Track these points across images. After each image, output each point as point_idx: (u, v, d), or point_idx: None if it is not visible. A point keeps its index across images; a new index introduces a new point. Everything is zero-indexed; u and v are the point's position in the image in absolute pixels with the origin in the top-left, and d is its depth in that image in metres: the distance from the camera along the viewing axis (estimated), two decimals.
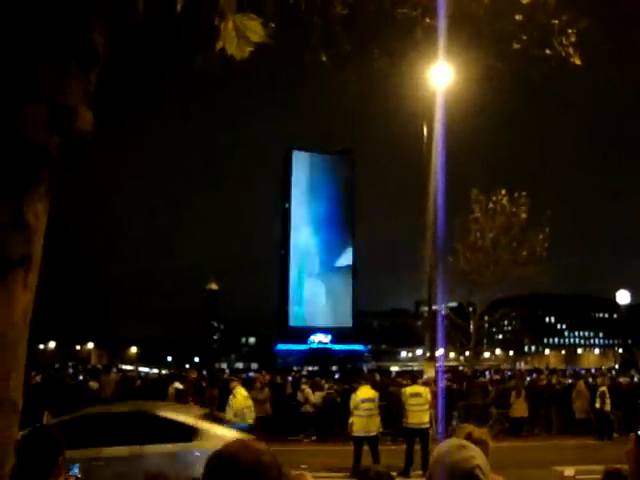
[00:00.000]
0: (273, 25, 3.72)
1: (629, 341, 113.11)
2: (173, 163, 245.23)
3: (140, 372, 36.39)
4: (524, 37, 4.53)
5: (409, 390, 13.88)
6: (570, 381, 24.67)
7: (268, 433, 17.80)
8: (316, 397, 18.88)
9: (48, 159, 1.43)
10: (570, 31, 4.51)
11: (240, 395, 12.84)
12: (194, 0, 2.26)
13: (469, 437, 3.49)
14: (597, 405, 19.23)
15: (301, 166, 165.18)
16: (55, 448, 2.68)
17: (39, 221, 1.48)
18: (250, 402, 13.09)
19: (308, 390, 18.94)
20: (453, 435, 3.62)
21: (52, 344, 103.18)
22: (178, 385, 19.33)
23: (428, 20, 4.49)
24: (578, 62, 4.61)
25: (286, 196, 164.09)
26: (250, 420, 12.64)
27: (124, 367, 50.57)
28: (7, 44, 1.40)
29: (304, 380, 21.52)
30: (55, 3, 1.44)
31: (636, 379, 25.33)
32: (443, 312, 26.28)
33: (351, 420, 13.13)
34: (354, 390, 14.28)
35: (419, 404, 13.59)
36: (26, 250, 1.45)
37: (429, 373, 20.35)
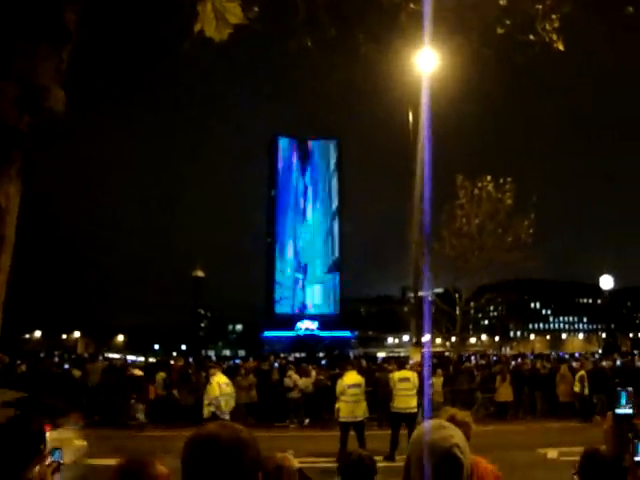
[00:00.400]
0: (257, 9, 3.70)
1: (612, 326, 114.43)
2: (162, 153, 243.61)
3: (127, 360, 36.33)
4: (508, 22, 4.53)
5: (397, 375, 13.96)
6: (547, 364, 24.94)
7: (254, 419, 17.91)
8: (303, 383, 18.95)
9: (19, 139, 1.41)
10: (553, 16, 4.52)
11: (215, 383, 12.69)
12: None
13: (452, 419, 3.53)
14: (577, 389, 19.49)
15: (287, 153, 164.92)
16: (37, 434, 2.68)
17: (11, 202, 1.46)
18: (228, 390, 12.84)
19: (295, 376, 19.00)
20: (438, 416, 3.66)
21: (38, 333, 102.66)
22: (162, 374, 19.35)
23: (412, 6, 4.48)
24: (561, 47, 4.62)
25: (272, 183, 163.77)
26: (226, 409, 12.52)
27: (111, 355, 50.41)
28: None
29: (290, 366, 21.57)
30: None
31: (618, 363, 25.64)
32: (430, 298, 26.40)
33: (337, 405, 13.21)
34: (340, 376, 14.36)
35: (407, 389, 13.68)
36: None
37: (416, 359, 20.49)
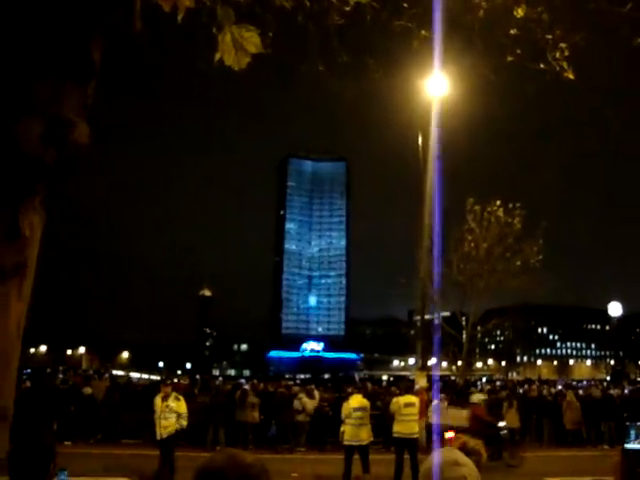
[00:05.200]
0: (271, 34, 3.75)
1: (620, 353, 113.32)
2: (171, 170, 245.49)
3: (131, 378, 36.23)
4: (518, 51, 4.57)
5: (403, 400, 13.85)
6: (554, 390, 24.71)
7: (258, 441, 17.80)
8: (307, 405, 18.83)
9: (44, 171, 1.44)
10: (564, 46, 4.55)
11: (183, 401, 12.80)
12: (193, 12, 2.28)
13: (463, 447, 3.49)
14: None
15: (297, 173, 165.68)
16: (47, 454, 2.68)
17: (34, 232, 1.49)
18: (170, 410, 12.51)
19: (306, 399, 18.83)
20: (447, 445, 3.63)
21: (43, 348, 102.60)
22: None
23: (424, 32, 4.53)
24: (571, 77, 4.65)
25: (281, 203, 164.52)
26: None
27: (115, 372, 50.35)
28: (5, 59, 1.41)
29: (298, 389, 21.44)
30: (53, 19, 1.45)
31: (627, 391, 25.38)
32: (438, 322, 26.27)
33: (342, 429, 13.11)
34: (346, 399, 14.26)
35: (412, 414, 13.58)
36: (20, 260, 1.46)
37: (421, 383, 20.32)
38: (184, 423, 12.36)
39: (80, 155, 1.51)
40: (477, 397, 19.55)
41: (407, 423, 13.44)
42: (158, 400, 12.55)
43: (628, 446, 2.61)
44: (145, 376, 46.48)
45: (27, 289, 1.53)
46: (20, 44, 1.45)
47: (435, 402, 18.99)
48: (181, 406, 12.50)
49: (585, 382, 42.99)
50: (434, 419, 16.73)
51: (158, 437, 12.22)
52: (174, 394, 12.72)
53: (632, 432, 2.65)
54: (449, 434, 16.33)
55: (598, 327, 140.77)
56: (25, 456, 2.56)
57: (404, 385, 19.22)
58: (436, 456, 2.02)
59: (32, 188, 1.45)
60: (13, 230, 1.41)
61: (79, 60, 1.50)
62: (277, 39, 3.88)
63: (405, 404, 13.65)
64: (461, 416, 17.25)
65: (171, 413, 12.29)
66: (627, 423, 2.66)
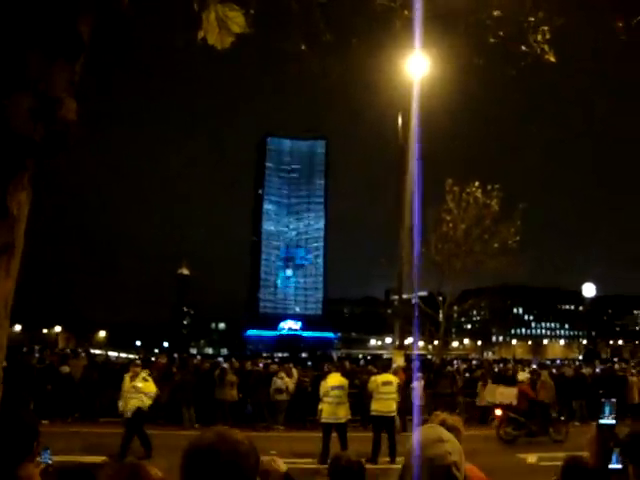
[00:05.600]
0: (252, 12, 3.72)
1: (593, 333, 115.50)
2: (146, 149, 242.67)
3: (109, 356, 36.12)
4: (501, 33, 4.59)
5: (380, 378, 14.02)
6: (528, 369, 25.14)
7: (235, 419, 17.89)
8: (289, 384, 18.95)
9: (33, 148, 1.43)
10: (545, 29, 4.58)
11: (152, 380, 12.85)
12: None
13: (443, 424, 3.56)
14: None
15: (275, 153, 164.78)
16: (30, 433, 2.67)
17: (21, 210, 1.49)
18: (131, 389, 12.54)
19: (287, 379, 18.94)
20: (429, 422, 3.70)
21: (18, 327, 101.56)
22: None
23: (407, 12, 4.52)
24: (552, 59, 4.68)
25: (259, 182, 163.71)
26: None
27: (93, 351, 50.07)
28: None
29: (276, 367, 21.53)
30: None
31: (598, 370, 25.92)
32: (415, 301, 26.53)
33: (320, 407, 13.26)
34: (324, 377, 14.40)
35: (389, 392, 13.75)
36: (9, 239, 1.45)
37: (398, 362, 20.56)
38: (147, 402, 12.32)
39: (68, 132, 1.49)
40: (523, 376, 19.95)
41: (385, 401, 13.62)
42: (127, 379, 12.59)
43: (602, 421, 2.71)
44: (123, 355, 46.28)
45: (14, 267, 1.52)
46: (8, 19, 1.43)
47: (415, 383, 19.28)
48: (149, 386, 12.51)
49: (558, 361, 43.83)
50: (415, 399, 17.05)
51: (123, 415, 12.29)
52: (143, 374, 12.70)
53: (607, 408, 2.74)
54: (497, 412, 16.76)
55: (572, 308, 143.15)
56: (7, 436, 2.55)
57: (381, 364, 19.46)
58: (419, 433, 2.05)
59: (21, 165, 1.44)
60: (2, 208, 1.41)
61: (68, 36, 1.48)
62: (259, 17, 3.84)
63: (383, 382, 13.82)
64: (510, 394, 17.67)
65: (137, 393, 12.29)
66: (602, 400, 2.74)
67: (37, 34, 1.44)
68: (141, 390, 12.32)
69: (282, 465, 2.72)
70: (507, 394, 17.91)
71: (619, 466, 2.41)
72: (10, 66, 1.40)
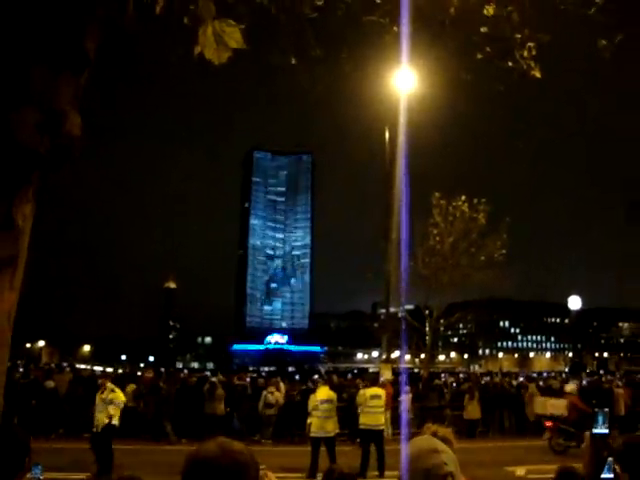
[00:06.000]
0: (243, 27, 3.76)
1: (579, 345, 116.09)
2: (131, 166, 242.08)
3: (95, 371, 35.73)
4: (488, 49, 4.66)
5: (369, 392, 13.99)
6: (516, 382, 25.23)
7: (224, 433, 17.77)
8: (279, 399, 18.87)
9: (38, 161, 1.44)
10: (532, 45, 4.66)
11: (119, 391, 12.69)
12: (173, 5, 2.27)
13: (434, 435, 3.57)
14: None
15: (262, 168, 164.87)
16: (22, 448, 2.65)
17: (26, 222, 1.50)
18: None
19: (277, 394, 18.85)
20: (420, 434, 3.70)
21: None
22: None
23: (396, 28, 4.58)
24: (538, 75, 4.76)
25: (246, 196, 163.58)
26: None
27: (78, 366, 49.52)
28: (1, 49, 1.41)
29: (262, 381, 21.43)
30: (48, 10, 1.45)
31: (585, 382, 26.03)
32: (402, 315, 26.55)
33: (309, 421, 13.19)
34: (312, 391, 14.34)
35: (378, 406, 13.73)
36: (13, 251, 1.46)
37: (386, 375, 20.55)
38: (113, 412, 12.06)
39: (72, 145, 1.51)
40: (570, 387, 19.99)
41: (373, 415, 13.59)
42: (98, 394, 12.43)
43: (596, 431, 2.74)
44: (109, 369, 45.82)
45: (18, 279, 1.53)
46: (16, 35, 1.45)
47: (403, 396, 19.27)
48: (117, 396, 12.30)
49: (545, 374, 43.99)
50: (403, 411, 17.05)
51: (93, 430, 12.12)
52: (110, 387, 12.51)
53: (600, 418, 2.78)
54: (548, 423, 16.81)
55: (557, 320, 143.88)
56: (0, 452, 2.53)
57: (370, 377, 19.43)
58: (415, 444, 2.04)
59: (27, 178, 1.45)
60: (7, 221, 1.42)
61: (73, 51, 1.50)
62: (249, 31, 3.88)
63: (371, 396, 13.79)
64: (560, 405, 17.69)
65: (105, 405, 12.10)
66: (595, 410, 2.78)
67: (44, 49, 1.46)
68: (108, 401, 12.11)
69: (274, 479, 2.72)
70: (557, 405, 18.00)
71: (611, 475, 2.44)
72: (17, 80, 1.41)
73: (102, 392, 12.34)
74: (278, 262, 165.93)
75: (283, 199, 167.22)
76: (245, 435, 17.86)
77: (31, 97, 1.43)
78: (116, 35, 1.70)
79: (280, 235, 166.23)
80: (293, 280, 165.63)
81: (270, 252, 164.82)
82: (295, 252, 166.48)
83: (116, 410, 12.15)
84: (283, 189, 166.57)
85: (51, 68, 1.47)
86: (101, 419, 12.02)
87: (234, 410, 18.90)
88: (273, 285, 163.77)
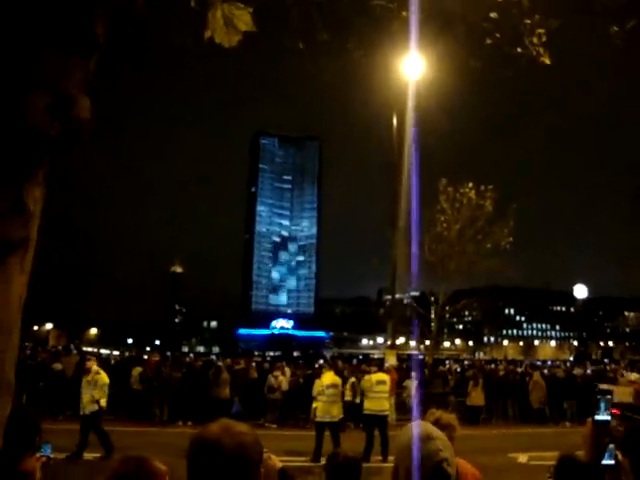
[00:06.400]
0: (251, 10, 3.75)
1: (584, 334, 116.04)
2: (139, 148, 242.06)
3: (101, 354, 36.04)
4: (497, 35, 4.63)
5: (375, 377, 14.05)
6: (520, 370, 25.27)
7: (227, 416, 17.91)
8: (283, 383, 18.99)
9: (49, 145, 1.46)
10: (541, 31, 4.63)
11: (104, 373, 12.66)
12: None
13: (437, 421, 3.61)
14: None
15: (269, 153, 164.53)
16: (32, 428, 2.69)
17: (37, 206, 1.51)
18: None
19: (282, 378, 18.96)
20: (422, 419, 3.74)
21: None
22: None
23: (404, 13, 4.55)
24: (547, 62, 4.72)
25: (253, 180, 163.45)
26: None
27: (85, 349, 49.89)
28: (11, 32, 1.42)
29: (267, 366, 21.56)
30: None
31: (589, 371, 26.07)
32: (408, 301, 26.61)
33: (315, 405, 13.28)
34: (318, 376, 14.43)
35: (383, 391, 13.83)
36: (24, 234, 1.48)
37: (390, 361, 20.64)
38: (98, 396, 12.09)
39: (83, 129, 1.52)
40: (635, 376, 20.10)
41: (378, 400, 13.68)
42: (84, 377, 12.47)
43: (598, 417, 2.76)
44: (115, 352, 46.18)
45: (28, 262, 1.55)
46: (26, 18, 1.45)
47: (409, 382, 19.39)
48: (101, 378, 12.34)
49: (549, 362, 44.04)
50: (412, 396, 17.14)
51: (80, 412, 12.15)
52: (95, 369, 12.52)
53: (602, 405, 2.80)
54: (614, 411, 16.96)
55: (563, 309, 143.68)
56: (11, 430, 2.57)
57: (376, 363, 19.51)
58: (409, 430, 2.05)
59: (38, 162, 1.47)
60: (19, 204, 1.43)
61: (83, 34, 1.51)
62: (258, 14, 3.86)
63: (377, 381, 13.87)
64: (626, 392, 17.79)
65: (90, 388, 12.14)
66: (598, 396, 2.79)
67: (54, 32, 1.47)
68: (93, 383, 12.16)
69: (277, 462, 2.74)
70: (624, 393, 18.11)
71: (612, 462, 2.46)
72: (27, 63, 1.42)
73: (87, 374, 12.33)
74: (284, 248, 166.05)
75: (290, 186, 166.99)
76: (246, 419, 17.97)
77: (41, 80, 1.44)
78: (126, 20, 1.71)
79: (287, 222, 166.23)
80: (299, 266, 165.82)
81: (276, 239, 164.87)
82: (302, 239, 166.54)
83: (101, 392, 12.17)
84: (289, 177, 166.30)
85: (61, 51, 1.48)
86: (87, 402, 12.03)
87: (238, 394, 19.02)
88: (279, 271, 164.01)
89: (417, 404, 16.50)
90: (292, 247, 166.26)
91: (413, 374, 21.10)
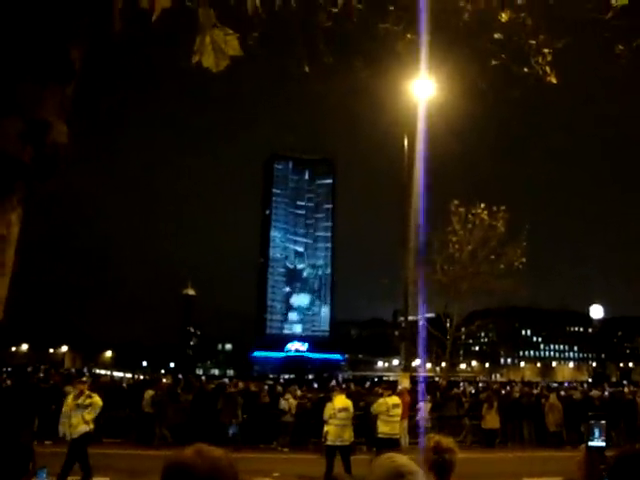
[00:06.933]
0: (256, 34, 3.76)
1: (602, 355, 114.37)
2: (153, 171, 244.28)
3: (114, 377, 36.04)
4: (503, 55, 4.63)
5: (391, 401, 13.91)
6: (536, 392, 24.89)
7: (241, 440, 17.75)
8: (293, 406, 18.85)
9: (21, 170, 1.46)
10: (546, 51, 4.62)
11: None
12: (172, 14, 2.29)
13: (437, 445, 3.55)
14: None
15: (282, 177, 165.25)
16: (26, 454, 2.66)
17: (11, 230, 1.50)
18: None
19: (293, 401, 18.83)
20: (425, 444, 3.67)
21: (25, 346, 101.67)
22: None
23: (409, 35, 4.57)
24: (554, 81, 4.71)
25: (266, 203, 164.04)
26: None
27: (97, 371, 49.98)
28: None
29: (280, 389, 21.44)
30: (32, 21, 1.46)
31: (607, 392, 25.63)
32: (422, 323, 26.40)
33: (326, 429, 13.06)
34: (329, 399, 14.27)
35: (397, 415, 13.70)
36: None
37: (404, 384, 20.44)
38: (89, 417, 11.76)
39: (58, 154, 1.52)
40: None
41: (393, 424, 13.55)
42: (69, 398, 12.10)
43: (592, 444, 2.68)
44: (129, 375, 46.19)
45: (4, 287, 1.54)
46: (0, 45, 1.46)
47: (421, 404, 19.17)
48: (96, 401, 11.99)
49: (566, 384, 43.40)
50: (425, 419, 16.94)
51: (67, 437, 11.66)
52: (87, 392, 12.18)
53: (596, 430, 2.72)
54: None
55: (581, 330, 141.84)
56: (3, 456, 2.54)
57: (390, 386, 19.33)
58: (380, 467, 1.97)
59: (10, 187, 1.47)
60: None
61: (58, 61, 1.51)
62: (264, 39, 3.89)
63: (393, 405, 13.75)
64: None
65: (81, 410, 11.75)
66: (591, 422, 2.71)
67: (28, 61, 1.47)
68: (84, 407, 11.79)
69: None
70: None
71: None
72: (0, 92, 1.43)
73: (79, 397, 11.97)
74: (299, 273, 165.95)
75: (304, 212, 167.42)
76: (242, 442, 17.62)
77: (15, 108, 1.44)
78: (103, 44, 1.71)
79: (301, 248, 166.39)
80: (314, 289, 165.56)
81: (290, 265, 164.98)
82: (316, 262, 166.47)
83: (91, 415, 11.87)
84: (303, 203, 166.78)
85: (36, 79, 1.48)
86: (76, 424, 11.66)
87: (251, 417, 18.86)
88: (294, 296, 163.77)
89: (424, 427, 16.27)
90: (306, 271, 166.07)
91: (427, 397, 20.87)
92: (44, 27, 1.48)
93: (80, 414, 11.76)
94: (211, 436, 17.31)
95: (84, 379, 14.32)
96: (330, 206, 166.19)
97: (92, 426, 11.85)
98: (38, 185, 1.52)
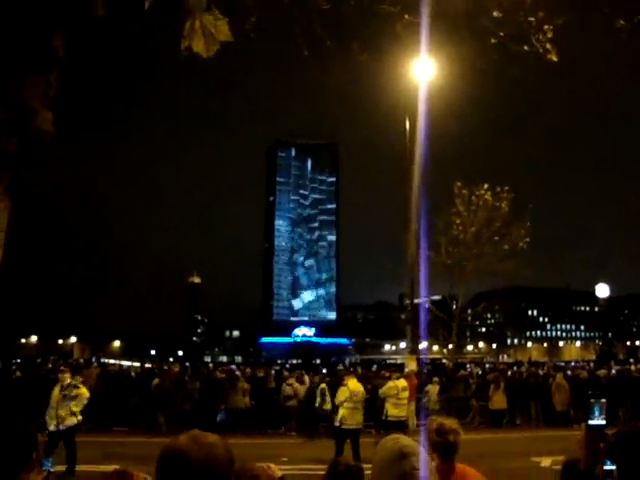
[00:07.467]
0: (253, 19, 3.73)
1: (609, 334, 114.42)
2: (158, 159, 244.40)
3: (122, 366, 36.26)
4: (501, 33, 4.57)
5: (401, 384, 13.95)
6: (543, 372, 24.91)
7: (247, 426, 17.86)
8: (299, 390, 18.92)
9: (6, 160, 1.44)
10: (547, 28, 4.56)
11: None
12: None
13: (440, 426, 3.56)
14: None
15: (285, 164, 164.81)
16: (30, 442, 2.66)
17: None
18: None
19: (297, 385, 18.90)
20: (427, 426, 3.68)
21: (34, 338, 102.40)
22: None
23: (407, 16, 4.52)
24: (555, 58, 4.66)
25: (271, 189, 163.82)
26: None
27: (106, 360, 50.27)
28: None
29: (287, 374, 21.51)
30: (14, 9, 1.44)
31: (614, 371, 25.64)
32: (426, 305, 26.41)
33: (342, 413, 12.94)
34: (342, 383, 14.24)
35: (406, 397, 13.78)
36: None
37: (411, 366, 20.48)
38: (77, 409, 11.70)
39: (44, 142, 1.50)
40: None
41: (403, 407, 13.63)
42: (56, 389, 11.82)
43: (592, 422, 2.67)
44: (137, 364, 46.46)
45: None
46: None
47: (429, 386, 19.23)
48: (83, 392, 11.97)
49: (573, 363, 43.46)
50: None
51: (52, 428, 11.33)
52: (73, 383, 12.08)
53: (595, 409, 2.71)
54: None
55: (587, 309, 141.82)
56: (7, 446, 2.54)
57: (398, 369, 19.38)
58: (385, 447, 1.97)
59: None
60: None
61: (41, 50, 1.49)
62: (261, 24, 3.87)
63: (403, 388, 13.80)
64: None
65: (68, 401, 11.63)
66: (591, 400, 2.70)
67: (10, 48, 1.45)
68: (70, 397, 11.68)
69: (277, 471, 2.70)
70: None
71: (613, 467, 2.37)
72: None
73: (65, 388, 11.82)
74: (303, 258, 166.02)
75: (309, 189, 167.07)
76: (230, 428, 17.58)
77: None
78: (86, 31, 1.69)
79: (306, 233, 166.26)
80: (320, 274, 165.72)
81: (296, 250, 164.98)
82: (321, 247, 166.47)
83: (79, 407, 11.80)
84: (308, 183, 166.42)
85: (18, 69, 1.47)
86: (63, 415, 11.52)
87: (258, 403, 18.94)
88: (299, 282, 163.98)
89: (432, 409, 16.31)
90: (311, 256, 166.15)
91: (435, 379, 20.93)
92: (26, 15, 1.46)
93: (67, 406, 11.62)
94: (218, 423, 17.48)
95: (63, 368, 14.04)
96: (334, 191, 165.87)
97: (80, 417, 11.80)
98: (24, 174, 1.50)
